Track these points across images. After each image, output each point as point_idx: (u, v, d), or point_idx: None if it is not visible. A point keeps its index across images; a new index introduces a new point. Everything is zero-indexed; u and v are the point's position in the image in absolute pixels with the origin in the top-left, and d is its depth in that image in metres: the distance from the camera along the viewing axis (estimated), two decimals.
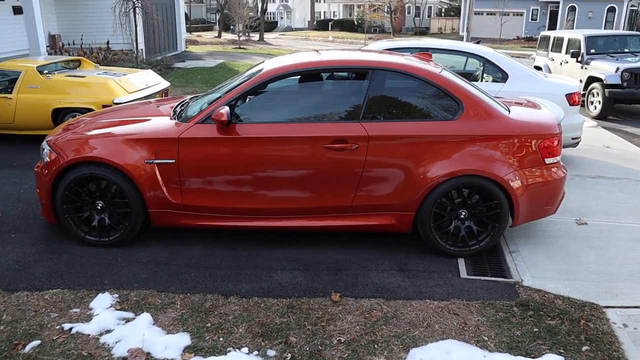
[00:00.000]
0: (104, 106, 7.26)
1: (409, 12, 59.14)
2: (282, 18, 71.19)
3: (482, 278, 4.22)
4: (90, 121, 5.07)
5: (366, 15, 53.16)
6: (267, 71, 4.58)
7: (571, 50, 13.51)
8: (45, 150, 4.74)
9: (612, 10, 40.43)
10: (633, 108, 13.16)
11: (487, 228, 4.51)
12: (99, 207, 4.62)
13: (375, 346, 3.33)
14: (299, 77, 4.82)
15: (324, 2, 67.61)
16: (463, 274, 4.29)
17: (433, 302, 3.83)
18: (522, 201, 4.46)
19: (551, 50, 14.80)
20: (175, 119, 4.70)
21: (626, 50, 13.46)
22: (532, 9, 44.89)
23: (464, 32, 41.45)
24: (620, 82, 11.83)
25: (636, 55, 13.20)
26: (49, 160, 4.63)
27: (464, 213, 4.49)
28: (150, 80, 8.44)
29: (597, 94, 12.23)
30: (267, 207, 4.51)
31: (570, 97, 7.04)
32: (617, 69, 12.00)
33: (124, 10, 14.71)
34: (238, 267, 4.38)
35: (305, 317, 3.64)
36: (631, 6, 41.48)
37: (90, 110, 7.32)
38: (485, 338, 3.40)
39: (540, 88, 7.08)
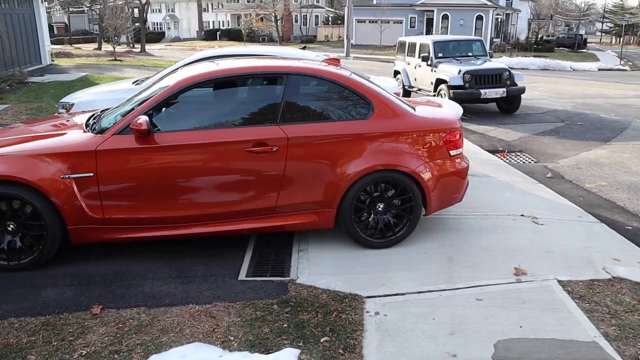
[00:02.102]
0: None
1: (296, 21, 59.96)
2: (169, 28, 69.64)
3: (259, 279, 4.26)
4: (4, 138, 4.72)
5: (253, 24, 53.34)
6: (184, 79, 4.58)
7: (422, 55, 14.22)
8: None
9: (480, 18, 43.22)
10: (479, 107, 14.05)
11: (404, 219, 4.82)
12: (10, 229, 4.30)
13: (116, 356, 3.25)
14: (216, 84, 4.86)
15: (212, 11, 67.03)
16: (242, 276, 4.31)
17: (195, 306, 3.81)
18: (433, 191, 4.82)
19: (407, 55, 15.49)
20: (88, 131, 4.54)
21: (470, 54, 14.36)
22: (410, 17, 47.03)
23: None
24: (462, 84, 12.61)
25: (479, 59, 14.13)
26: None
27: (381, 206, 4.76)
28: None
29: (444, 95, 12.94)
30: (191, 214, 4.48)
31: None
32: (460, 71, 12.77)
33: None
34: (6, 288, 4.13)
35: (56, 334, 3.49)
36: (496, 15, 44.53)
37: None
38: (232, 338, 3.42)
39: None
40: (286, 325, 3.56)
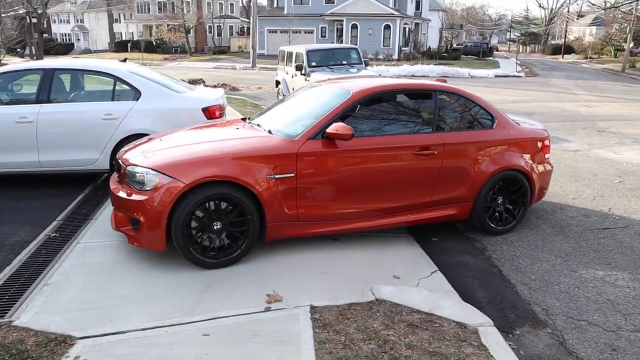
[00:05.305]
0: None
1: (210, 32, 59.04)
2: (78, 40, 66.93)
3: None
4: (175, 145, 5.00)
5: (164, 35, 52.07)
6: (359, 91, 5.24)
7: (296, 64, 14.00)
8: (148, 175, 4.47)
9: (388, 27, 43.98)
10: None
11: (516, 209, 5.82)
12: (216, 228, 4.54)
13: None
14: (383, 97, 5.51)
15: (123, 22, 64.97)
16: None
17: None
18: (537, 185, 5.89)
19: (286, 65, 15.25)
20: (272, 135, 5.02)
21: (345, 62, 14.25)
22: (321, 27, 47.27)
23: (259, 49, 42.29)
24: None
25: (353, 67, 14.03)
26: (157, 184, 4.40)
27: (501, 199, 5.71)
28: None
29: None
30: (369, 209, 5.11)
31: (206, 111, 6.95)
32: (329, 79, 12.56)
33: None
34: None
35: None
36: (404, 24, 45.46)
37: None
38: None
39: (175, 104, 6.92)
40: None
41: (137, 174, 4.56)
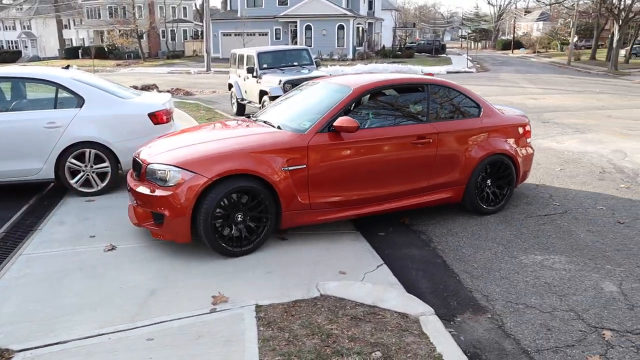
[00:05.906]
0: None
1: (163, 36, 58.25)
2: (26, 47, 65.04)
3: None
4: (190, 143, 5.23)
5: (116, 40, 51.13)
6: (360, 86, 5.65)
7: (247, 67, 13.96)
8: (170, 171, 4.71)
9: (341, 27, 44.27)
10: None
11: (504, 190, 6.29)
12: (239, 219, 4.83)
13: None
14: (381, 91, 5.96)
15: (73, 28, 63.48)
16: None
17: None
18: (521, 167, 6.38)
19: (237, 68, 15.19)
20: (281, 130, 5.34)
21: (296, 63, 14.28)
22: (275, 29, 47.24)
23: (214, 53, 41.99)
24: (282, 94, 12.41)
25: (304, 68, 14.07)
26: (180, 180, 4.64)
27: (489, 181, 6.18)
28: None
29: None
30: (375, 195, 5.50)
31: (153, 116, 6.90)
32: (280, 81, 12.60)
33: None
34: None
35: None
36: (357, 24, 45.85)
37: None
38: None
39: (121, 110, 6.85)
40: None
41: (158, 172, 4.80)
